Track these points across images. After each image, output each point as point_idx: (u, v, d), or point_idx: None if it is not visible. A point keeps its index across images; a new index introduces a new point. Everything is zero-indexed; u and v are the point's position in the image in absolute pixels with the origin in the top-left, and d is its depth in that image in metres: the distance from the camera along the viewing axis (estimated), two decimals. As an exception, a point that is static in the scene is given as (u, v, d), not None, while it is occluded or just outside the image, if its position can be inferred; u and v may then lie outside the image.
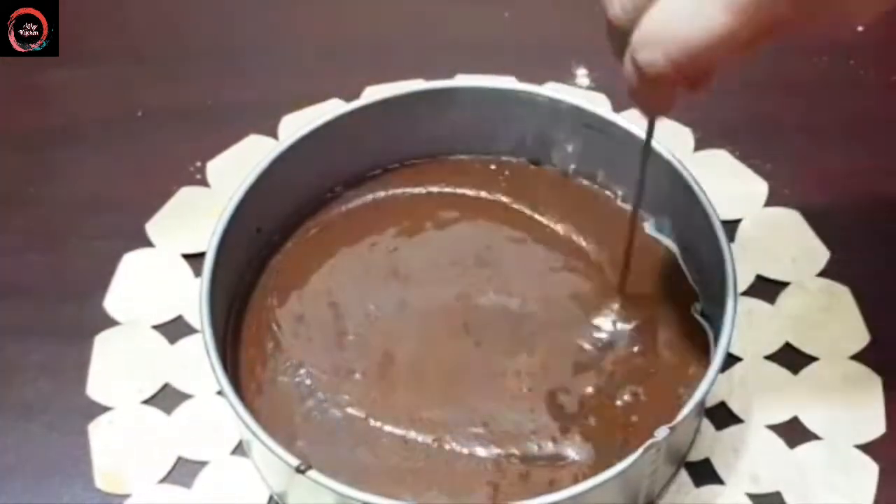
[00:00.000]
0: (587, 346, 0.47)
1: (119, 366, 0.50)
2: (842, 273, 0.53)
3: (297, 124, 0.54)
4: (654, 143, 0.49)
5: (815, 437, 0.48)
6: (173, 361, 0.50)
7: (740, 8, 0.32)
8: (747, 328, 0.50)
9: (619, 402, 0.46)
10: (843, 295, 0.52)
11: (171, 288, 0.53)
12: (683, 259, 0.50)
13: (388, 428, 0.45)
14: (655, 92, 0.36)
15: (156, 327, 0.52)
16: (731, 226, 0.54)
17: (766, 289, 0.52)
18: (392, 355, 0.47)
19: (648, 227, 0.51)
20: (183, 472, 0.47)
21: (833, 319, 0.51)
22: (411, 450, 0.45)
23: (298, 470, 0.40)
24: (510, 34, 0.65)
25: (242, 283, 0.50)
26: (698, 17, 0.32)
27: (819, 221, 0.55)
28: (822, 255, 0.54)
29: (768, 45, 0.35)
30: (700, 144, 0.59)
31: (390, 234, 0.52)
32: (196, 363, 0.49)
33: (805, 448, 0.47)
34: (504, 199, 0.53)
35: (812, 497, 0.46)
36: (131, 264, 0.54)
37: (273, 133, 0.59)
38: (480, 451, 0.44)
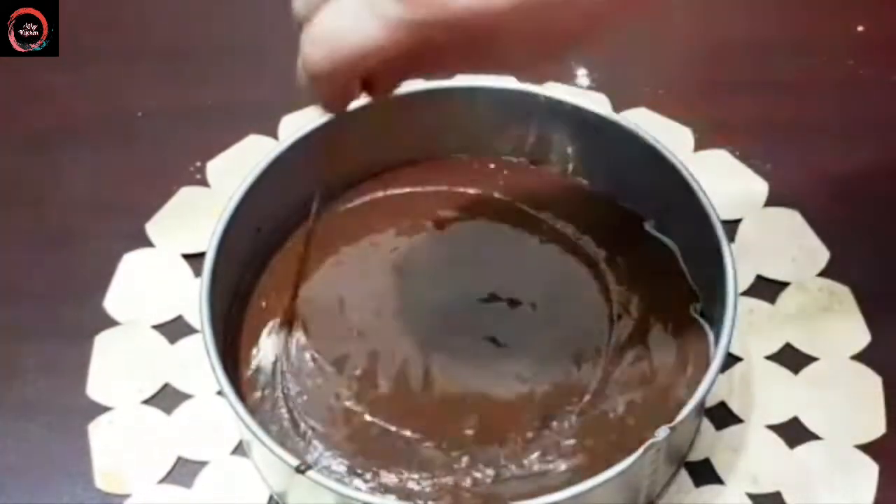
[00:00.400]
0: (586, 346, 0.47)
1: (119, 366, 0.50)
2: (842, 273, 0.53)
3: (297, 124, 0.54)
4: (654, 143, 0.49)
5: (815, 437, 0.48)
6: (173, 361, 0.50)
7: (394, 27, 0.34)
8: (747, 328, 0.50)
9: (618, 402, 0.46)
10: (843, 295, 0.52)
11: (171, 288, 0.53)
12: (683, 259, 0.50)
13: (387, 426, 0.45)
14: (325, 88, 0.39)
15: (156, 327, 0.52)
16: (731, 226, 0.54)
17: (766, 289, 0.52)
18: (392, 355, 0.47)
19: (648, 226, 0.51)
20: (183, 472, 0.47)
21: (833, 319, 0.51)
22: (408, 447, 0.44)
23: (298, 470, 0.40)
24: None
25: (242, 283, 0.50)
26: (355, 28, 0.35)
27: (819, 221, 0.55)
28: (822, 255, 0.54)
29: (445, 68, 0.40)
30: (700, 144, 0.59)
31: (390, 234, 0.52)
32: (196, 363, 0.49)
33: (805, 448, 0.47)
34: (504, 198, 0.53)
35: (812, 497, 0.46)
36: (131, 264, 0.54)
37: (273, 133, 0.59)
38: (476, 450, 0.44)
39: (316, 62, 0.37)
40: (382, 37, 0.35)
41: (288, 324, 0.48)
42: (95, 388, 0.50)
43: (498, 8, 0.34)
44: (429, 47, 0.36)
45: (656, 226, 0.51)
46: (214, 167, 0.58)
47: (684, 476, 0.46)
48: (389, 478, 0.44)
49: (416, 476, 0.44)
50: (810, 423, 0.48)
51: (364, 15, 0.35)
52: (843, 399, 0.49)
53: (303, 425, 0.45)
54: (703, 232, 0.46)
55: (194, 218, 0.55)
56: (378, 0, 0.34)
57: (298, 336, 0.48)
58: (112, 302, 0.53)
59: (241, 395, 0.45)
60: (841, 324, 0.51)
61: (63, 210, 0.57)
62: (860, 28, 0.64)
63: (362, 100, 0.42)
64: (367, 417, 0.45)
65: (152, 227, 0.55)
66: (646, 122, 0.56)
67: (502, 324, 0.48)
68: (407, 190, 0.53)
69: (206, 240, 0.46)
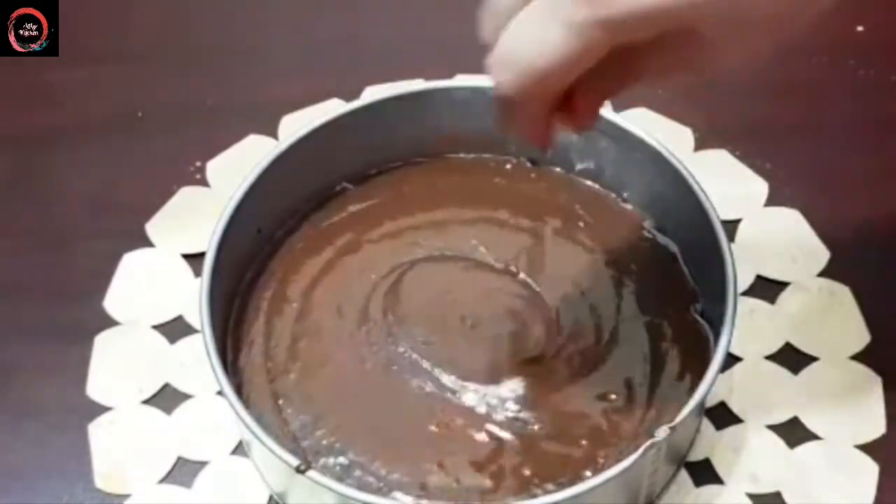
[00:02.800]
0: (586, 346, 0.47)
1: (119, 366, 0.50)
2: (842, 273, 0.53)
3: (297, 124, 0.54)
4: (655, 143, 0.49)
5: (815, 437, 0.48)
6: (173, 361, 0.50)
7: (583, 33, 0.32)
8: (747, 328, 0.50)
9: (618, 402, 0.46)
10: (843, 295, 0.52)
11: (171, 288, 0.53)
12: (683, 259, 0.50)
13: (387, 424, 0.45)
14: (525, 119, 0.36)
15: (156, 327, 0.52)
16: (731, 226, 0.54)
17: (766, 289, 0.52)
18: (392, 354, 0.47)
19: (648, 226, 0.51)
20: (183, 472, 0.47)
21: (833, 319, 0.51)
22: (411, 446, 0.45)
23: (298, 470, 0.40)
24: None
25: (242, 283, 0.50)
26: (542, 41, 0.33)
27: (819, 221, 0.55)
28: (822, 255, 0.54)
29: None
30: (700, 144, 0.59)
31: (393, 233, 0.52)
32: (196, 363, 0.49)
33: (805, 448, 0.47)
34: (503, 198, 0.53)
35: (812, 497, 0.46)
36: (131, 264, 0.54)
37: (273, 133, 0.59)
38: (478, 451, 0.44)
39: (506, 86, 0.34)
40: (572, 46, 0.32)
41: (288, 324, 0.48)
42: (95, 388, 0.50)
43: None
44: (625, 53, 0.33)
45: (656, 226, 0.51)
46: (214, 167, 0.58)
47: (684, 476, 0.46)
48: (391, 476, 0.44)
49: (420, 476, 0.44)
50: (810, 423, 0.48)
51: (550, 26, 0.32)
52: (843, 399, 0.49)
53: (302, 424, 0.45)
54: (703, 232, 0.46)
55: (194, 218, 0.55)
56: (561, 7, 0.32)
57: (298, 336, 0.48)
58: (112, 302, 0.53)
59: (241, 395, 0.45)
60: (841, 324, 0.51)
61: (63, 210, 0.57)
62: (860, 28, 0.64)
63: (564, 132, 0.39)
64: (366, 414, 0.45)
65: (152, 227, 0.55)
66: (646, 122, 0.56)
67: (502, 321, 0.48)
68: (407, 190, 0.53)
69: (206, 240, 0.46)
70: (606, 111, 0.52)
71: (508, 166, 0.54)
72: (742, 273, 0.47)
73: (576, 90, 0.36)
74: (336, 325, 0.48)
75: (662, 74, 0.38)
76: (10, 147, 0.60)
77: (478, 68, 0.59)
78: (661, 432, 0.41)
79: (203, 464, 0.47)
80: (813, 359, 0.50)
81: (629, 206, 0.52)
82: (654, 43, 0.33)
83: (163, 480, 0.47)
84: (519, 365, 0.47)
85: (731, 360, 0.49)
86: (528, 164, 0.54)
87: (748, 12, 0.32)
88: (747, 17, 0.33)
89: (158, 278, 0.54)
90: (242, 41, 0.66)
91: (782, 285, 0.53)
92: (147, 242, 0.55)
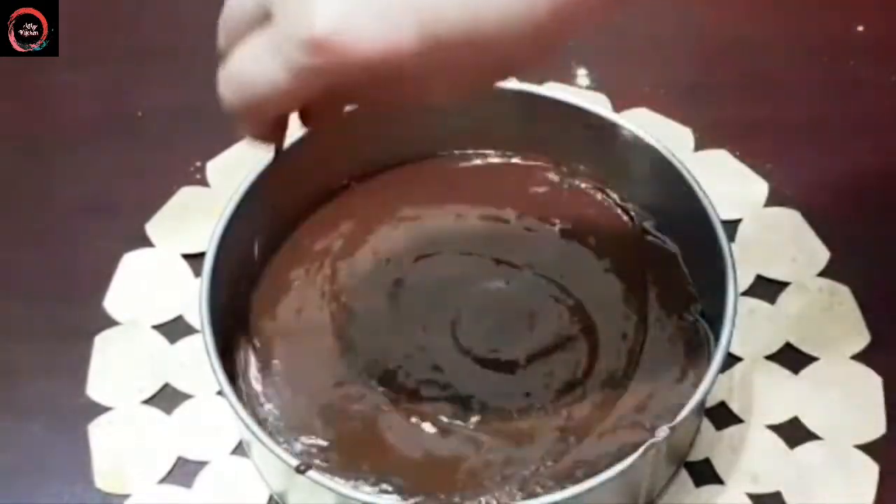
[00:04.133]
0: (586, 346, 0.47)
1: (119, 366, 0.50)
2: (842, 273, 0.53)
3: (297, 124, 0.54)
4: (655, 144, 0.49)
5: (815, 437, 0.48)
6: (173, 361, 0.50)
7: (300, 74, 0.34)
8: (747, 328, 0.50)
9: (618, 403, 0.46)
10: (843, 295, 0.52)
11: (171, 288, 0.53)
12: (683, 259, 0.50)
13: (387, 423, 0.45)
14: (250, 129, 0.39)
15: (156, 327, 0.52)
16: (731, 226, 0.54)
17: (766, 289, 0.52)
18: (393, 354, 0.47)
19: (648, 226, 0.51)
20: (183, 472, 0.47)
21: (833, 319, 0.51)
22: (414, 445, 0.45)
23: (298, 470, 0.40)
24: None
25: (242, 283, 0.50)
26: (262, 73, 0.35)
27: (819, 221, 0.55)
28: (822, 255, 0.54)
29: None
30: (700, 144, 0.59)
31: (392, 233, 0.52)
32: (196, 363, 0.49)
33: (805, 448, 0.47)
34: (503, 198, 0.53)
35: (812, 497, 0.46)
36: (131, 264, 0.54)
37: (273, 133, 0.59)
38: (476, 450, 0.44)
39: (227, 101, 0.37)
40: (289, 83, 0.34)
41: (288, 323, 0.48)
42: (95, 388, 0.50)
43: (403, 50, 0.33)
44: (343, 88, 0.35)
45: (656, 226, 0.51)
46: (214, 167, 0.58)
47: (684, 476, 0.46)
48: (394, 474, 0.44)
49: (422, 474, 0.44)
50: (810, 423, 0.48)
51: (270, 60, 0.34)
52: (843, 399, 0.49)
53: (301, 424, 0.45)
54: (703, 232, 0.46)
55: (194, 218, 0.55)
56: (284, 46, 0.34)
57: (298, 335, 0.48)
58: (112, 302, 0.53)
59: (241, 395, 0.45)
60: (841, 324, 0.51)
61: (63, 210, 0.57)
62: (860, 28, 0.64)
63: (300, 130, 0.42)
64: (366, 414, 0.45)
65: (152, 227, 0.55)
66: (646, 122, 0.56)
67: (503, 319, 0.48)
68: (407, 189, 0.53)
69: (206, 240, 0.46)
70: (607, 111, 0.52)
71: (506, 166, 0.54)
72: (742, 273, 0.47)
73: (308, 106, 0.39)
74: (338, 324, 0.48)
75: (375, 105, 0.43)
76: (10, 147, 0.60)
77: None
78: (661, 432, 0.41)
79: (203, 464, 0.47)
80: (813, 359, 0.50)
81: (629, 206, 0.52)
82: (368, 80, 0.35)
83: (163, 480, 0.47)
84: (515, 363, 0.47)
85: (731, 360, 0.49)
86: (527, 165, 0.54)
87: (455, 72, 0.35)
88: (453, 75, 0.35)
89: (158, 278, 0.54)
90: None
91: (782, 285, 0.53)
92: (147, 242, 0.55)
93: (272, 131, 0.41)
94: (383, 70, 0.34)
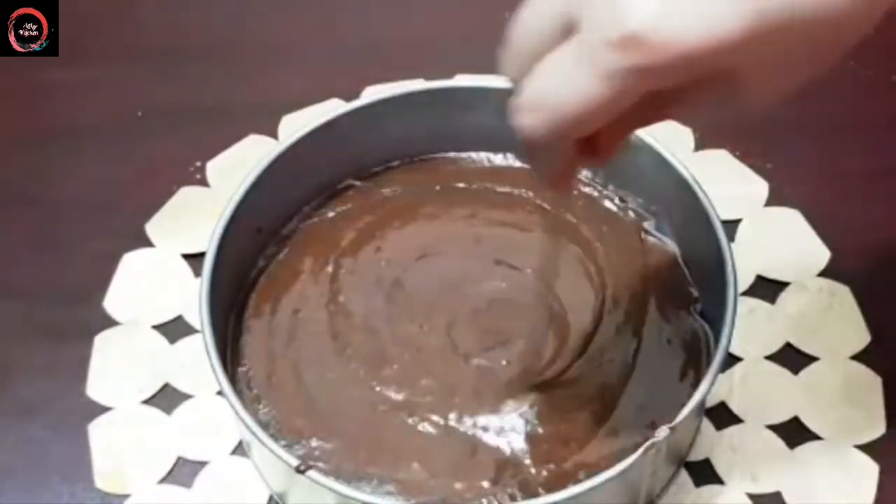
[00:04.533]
0: (586, 346, 0.47)
1: (119, 366, 0.50)
2: (842, 273, 0.53)
3: (297, 124, 0.54)
4: (655, 143, 0.49)
5: (815, 437, 0.48)
6: (173, 361, 0.50)
7: (617, 80, 0.31)
8: (747, 328, 0.50)
9: (618, 403, 0.46)
10: (843, 295, 0.52)
11: (171, 288, 0.53)
12: (683, 259, 0.50)
13: (386, 423, 0.45)
14: (548, 162, 0.36)
15: (156, 327, 0.52)
16: (731, 226, 0.54)
17: (766, 289, 0.52)
18: (393, 353, 0.47)
19: (648, 226, 0.51)
20: (183, 472, 0.47)
21: (833, 319, 0.51)
22: (413, 445, 0.45)
23: (298, 470, 0.40)
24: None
25: (242, 283, 0.50)
26: (575, 86, 0.31)
27: (819, 221, 0.55)
28: (822, 255, 0.54)
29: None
30: (700, 144, 0.59)
31: (391, 234, 0.52)
32: (196, 363, 0.49)
33: (805, 448, 0.47)
34: (504, 199, 0.53)
35: (812, 497, 0.46)
36: (131, 264, 0.54)
37: (273, 133, 0.59)
38: (475, 450, 0.44)
39: (534, 130, 0.33)
40: (605, 92, 0.31)
41: (288, 323, 0.48)
42: (95, 388, 0.50)
43: (729, 39, 0.29)
44: (657, 95, 0.32)
45: (656, 226, 0.51)
46: (214, 167, 0.58)
47: (684, 476, 0.46)
48: (394, 474, 0.44)
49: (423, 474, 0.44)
50: (810, 423, 0.48)
51: (582, 71, 0.31)
52: (843, 399, 0.49)
53: (301, 424, 0.45)
54: (703, 232, 0.46)
55: (194, 218, 0.55)
56: (597, 51, 0.30)
57: (298, 335, 0.48)
58: (112, 302, 0.53)
59: (241, 395, 0.45)
60: (841, 324, 0.51)
61: (63, 210, 0.57)
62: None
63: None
64: (366, 414, 0.45)
65: (152, 227, 0.55)
66: (646, 122, 0.56)
67: (502, 319, 0.48)
68: (407, 189, 0.53)
69: (206, 240, 0.46)
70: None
71: (506, 166, 0.54)
72: (742, 273, 0.47)
73: (601, 129, 0.35)
74: (337, 324, 0.48)
75: (692, 111, 0.38)
76: (10, 147, 0.60)
77: (478, 68, 0.60)
78: (661, 432, 0.41)
79: (203, 464, 0.47)
80: (813, 359, 0.50)
81: (629, 207, 0.52)
82: (688, 84, 0.32)
83: (163, 480, 0.47)
84: (515, 363, 0.47)
85: (731, 360, 0.49)
86: (528, 164, 0.54)
87: (785, 58, 0.32)
88: (784, 62, 0.32)
89: (158, 278, 0.54)
90: (242, 41, 0.66)
91: (782, 285, 0.53)
92: (147, 242, 0.55)
93: (567, 170, 0.37)
94: (710, 64, 0.30)
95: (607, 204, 0.53)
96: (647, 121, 0.37)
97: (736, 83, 0.33)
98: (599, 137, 0.36)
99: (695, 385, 0.43)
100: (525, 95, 0.33)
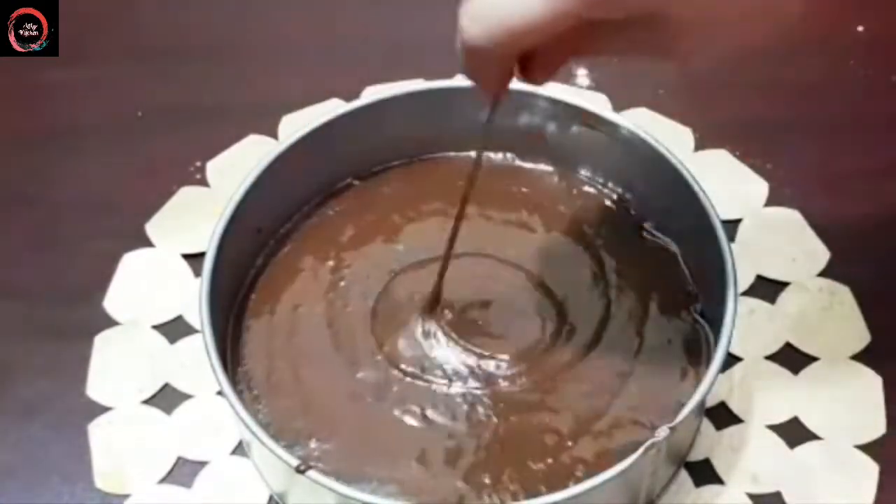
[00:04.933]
0: (586, 346, 0.47)
1: (119, 366, 0.50)
2: (842, 273, 0.53)
3: (297, 124, 0.54)
4: (655, 144, 0.49)
5: (815, 437, 0.48)
6: (173, 361, 0.50)
7: (559, 4, 0.33)
8: (747, 328, 0.50)
9: (618, 403, 0.46)
10: (843, 295, 0.52)
11: (171, 288, 0.53)
12: (683, 259, 0.50)
13: (386, 422, 0.45)
14: (485, 69, 0.38)
15: (156, 327, 0.52)
16: (731, 226, 0.54)
17: (766, 289, 0.52)
18: (391, 353, 0.47)
19: (648, 226, 0.51)
20: (183, 472, 0.47)
21: (833, 319, 0.51)
22: (413, 444, 0.45)
23: (298, 470, 0.40)
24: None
25: (242, 283, 0.50)
26: (521, 3, 0.34)
27: (819, 221, 0.55)
28: (822, 255, 0.54)
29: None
30: (700, 144, 0.59)
31: (391, 233, 0.52)
32: (196, 363, 0.49)
33: (805, 448, 0.47)
34: (504, 198, 0.53)
35: (812, 497, 0.46)
36: (131, 264, 0.54)
37: (273, 133, 0.59)
38: (476, 449, 0.44)
39: (475, 39, 0.35)
40: (547, 11, 0.33)
41: (287, 323, 0.48)
42: (95, 388, 0.50)
43: None
44: (591, 26, 0.34)
45: (656, 226, 0.51)
46: (214, 167, 0.58)
47: (684, 476, 0.46)
48: (394, 473, 0.44)
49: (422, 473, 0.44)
50: (810, 423, 0.48)
51: None
52: (843, 399, 0.49)
53: (301, 423, 0.45)
54: (703, 232, 0.46)
55: (194, 218, 0.55)
56: None
57: (298, 335, 0.48)
58: (112, 302, 0.53)
59: (241, 395, 0.45)
60: (841, 324, 0.51)
61: (63, 210, 0.57)
62: (860, 28, 0.64)
63: (516, 83, 0.40)
64: (366, 413, 0.45)
65: (152, 227, 0.55)
66: (646, 122, 0.56)
67: (501, 319, 0.48)
68: (406, 189, 0.53)
69: (206, 240, 0.46)
70: (606, 111, 0.52)
71: (507, 166, 0.54)
72: (742, 273, 0.47)
73: (536, 50, 0.37)
74: (337, 323, 0.48)
75: (622, 53, 0.39)
76: (10, 147, 0.60)
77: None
78: (661, 432, 0.41)
79: (203, 464, 0.47)
80: (813, 359, 0.50)
81: (629, 206, 0.52)
82: (622, 22, 0.34)
83: (163, 480, 0.47)
84: (516, 362, 0.47)
85: (731, 360, 0.49)
86: (527, 165, 0.54)
87: (718, 9, 0.34)
88: (716, 15, 0.34)
89: (158, 278, 0.54)
90: (243, 41, 0.66)
91: (782, 285, 0.53)
92: (147, 242, 0.55)
93: (502, 80, 0.39)
94: (644, 6, 0.33)
95: (607, 203, 0.53)
96: (581, 51, 0.39)
97: (665, 30, 0.35)
98: (535, 57, 0.38)
99: (695, 385, 0.43)
100: (472, 4, 0.35)
